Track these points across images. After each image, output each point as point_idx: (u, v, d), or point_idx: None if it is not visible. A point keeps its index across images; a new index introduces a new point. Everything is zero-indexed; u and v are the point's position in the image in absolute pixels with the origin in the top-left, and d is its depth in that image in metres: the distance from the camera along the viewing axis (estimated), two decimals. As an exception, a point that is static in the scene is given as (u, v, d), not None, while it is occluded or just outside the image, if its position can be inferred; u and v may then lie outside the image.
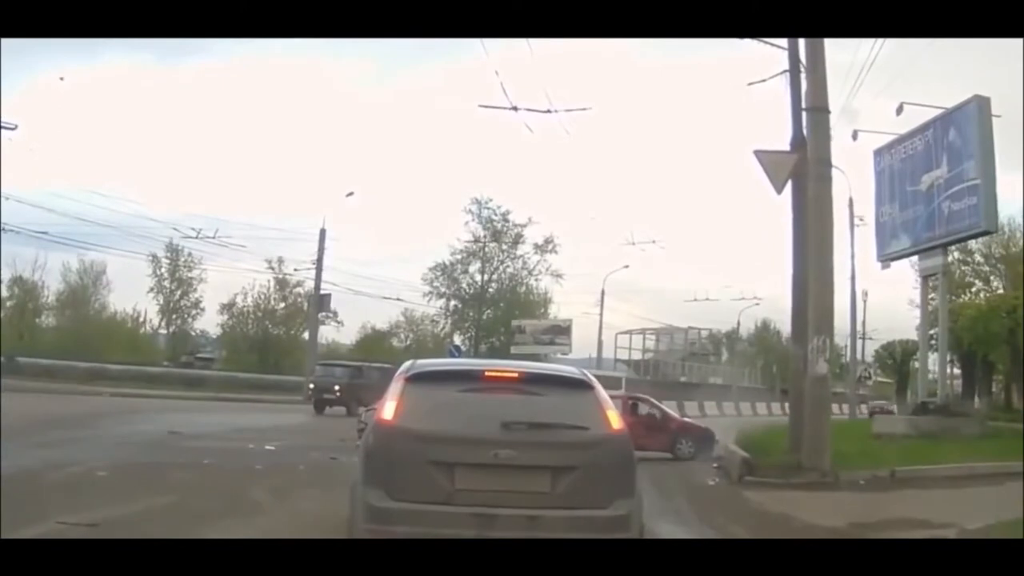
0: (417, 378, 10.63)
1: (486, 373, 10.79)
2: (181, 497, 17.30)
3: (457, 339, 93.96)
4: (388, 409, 10.22)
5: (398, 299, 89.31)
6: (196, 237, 65.28)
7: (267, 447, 29.16)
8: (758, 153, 26.49)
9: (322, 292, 73.61)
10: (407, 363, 11.33)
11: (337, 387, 53.05)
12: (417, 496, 9.68)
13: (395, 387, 10.51)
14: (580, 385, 10.73)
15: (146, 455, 24.28)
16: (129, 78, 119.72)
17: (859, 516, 17.23)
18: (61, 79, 41.25)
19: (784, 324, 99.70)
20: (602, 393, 10.58)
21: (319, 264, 71.84)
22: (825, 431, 24.49)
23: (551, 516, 9.60)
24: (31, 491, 16.57)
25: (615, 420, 10.36)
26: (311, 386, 55.51)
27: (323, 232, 71.26)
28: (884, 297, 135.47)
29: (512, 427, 9.91)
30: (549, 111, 36.58)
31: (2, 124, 47.64)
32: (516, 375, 10.70)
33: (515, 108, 35.39)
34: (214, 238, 65.28)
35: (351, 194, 71.90)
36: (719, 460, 29.13)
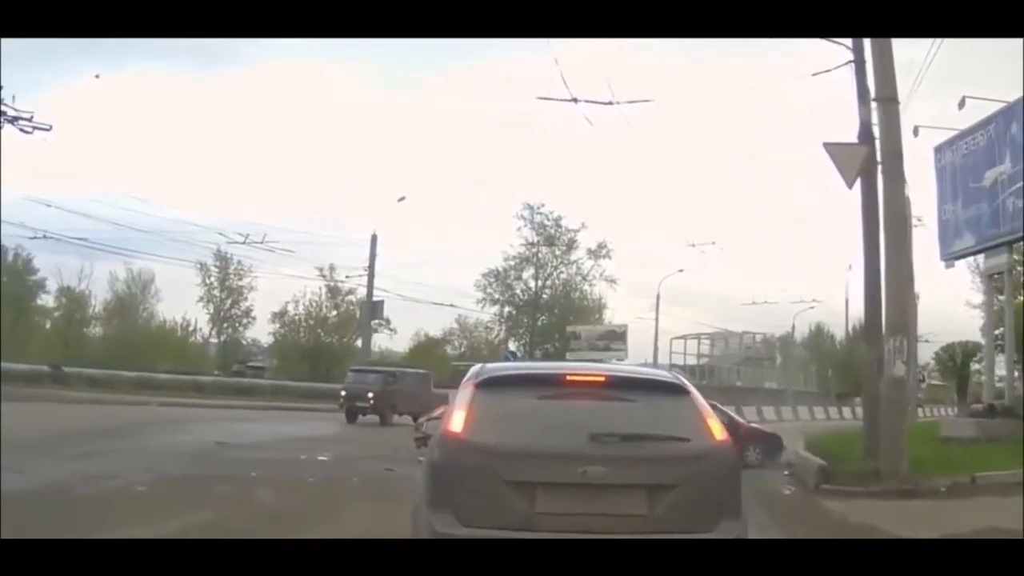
0: (489, 384, 9.52)
1: (568, 377, 9.58)
2: (221, 514, 16.35)
3: (512, 345, 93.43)
4: (456, 420, 9.12)
5: (451, 305, 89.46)
6: (243, 242, 64.65)
7: (319, 458, 28.54)
8: (828, 146, 25.59)
9: (374, 299, 73.29)
10: (475, 367, 10.19)
11: (371, 394, 51.50)
12: (491, 521, 8.58)
13: (463, 395, 9.39)
14: (675, 389, 9.60)
15: (190, 467, 23.57)
16: (166, 85, 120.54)
17: (950, 527, 16.29)
18: (96, 76, 40.94)
19: (838, 327, 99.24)
20: (700, 398, 9.52)
21: (371, 270, 71.48)
22: (902, 436, 23.56)
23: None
24: (61, 506, 15.91)
25: (718, 430, 9.25)
26: (343, 393, 53.70)
27: (374, 237, 71.01)
28: (937, 299, 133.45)
29: (602, 439, 8.78)
30: (610, 103, 35.39)
31: (35, 124, 46.75)
32: (602, 379, 9.57)
33: (575, 100, 34.38)
34: (262, 243, 64.37)
35: (403, 199, 71.67)
36: (790, 467, 28.17)
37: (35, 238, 59.96)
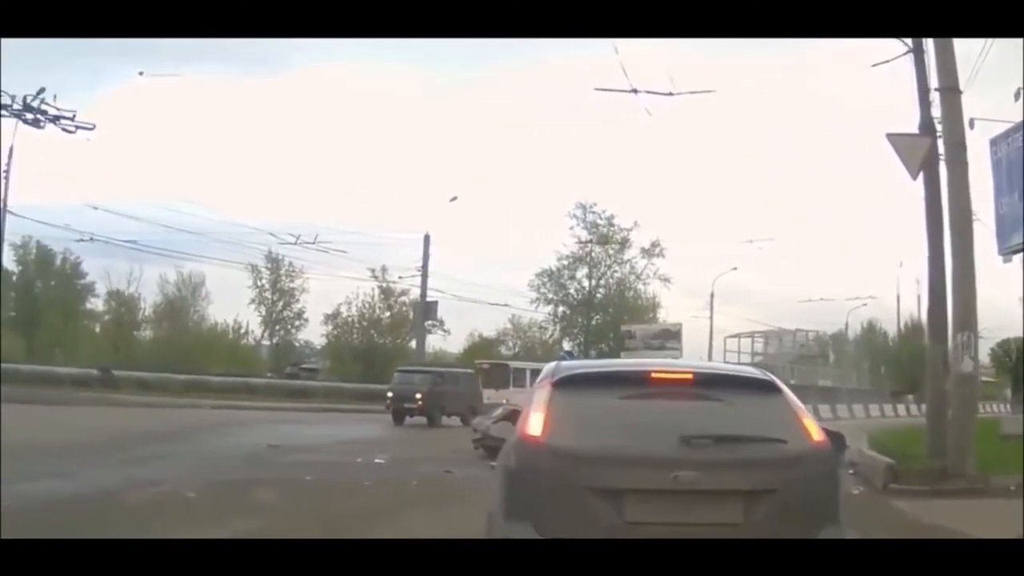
0: (567, 383, 8.85)
1: (653, 374, 8.92)
2: (272, 520, 15.68)
3: (567, 345, 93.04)
4: (535, 422, 8.47)
5: (506, 305, 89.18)
6: (295, 243, 64.08)
7: (376, 460, 28.02)
8: (891, 137, 25.21)
9: (428, 299, 72.93)
10: (550, 365, 9.70)
11: (418, 395, 50.46)
12: (574, 532, 7.87)
13: (540, 395, 8.76)
14: (766, 387, 8.94)
15: (242, 471, 23.04)
16: (215, 89, 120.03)
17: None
18: (140, 74, 40.44)
19: (890, 324, 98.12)
20: (792, 396, 8.88)
21: (424, 270, 71.13)
22: (970, 434, 23.09)
23: None
24: (105, 513, 15.37)
25: (815, 430, 8.58)
26: (389, 394, 52.79)
27: (427, 237, 70.58)
28: (991, 294, 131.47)
29: (694, 442, 8.13)
30: (670, 93, 34.56)
31: (78, 124, 46.48)
32: (689, 376, 8.91)
33: (635, 91, 33.57)
34: (313, 243, 63.77)
35: (455, 198, 71.16)
36: (854, 466, 27.22)
37: (82, 240, 59.70)
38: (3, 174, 49.65)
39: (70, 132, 46.11)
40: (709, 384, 8.82)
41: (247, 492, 19.26)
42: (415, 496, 20.24)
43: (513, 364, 69.21)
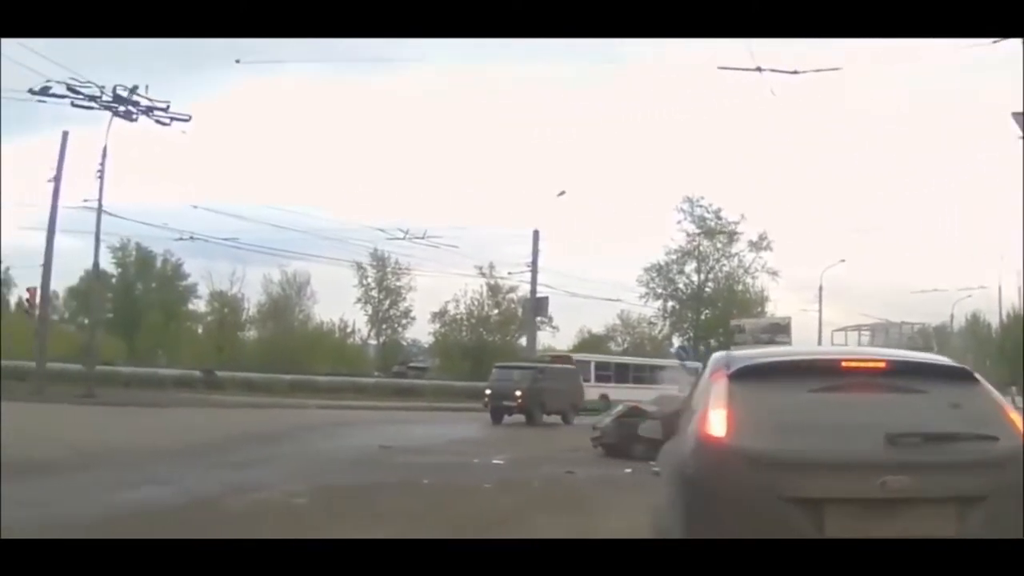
0: (747, 375, 7.66)
1: (843, 363, 7.72)
2: (392, 526, 14.43)
3: (676, 340, 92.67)
4: (716, 420, 7.32)
5: (618, 300, 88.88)
6: (404, 238, 62.98)
7: (494, 461, 27.07)
8: (1018, 116, 23.32)
9: (538, 296, 71.74)
10: (718, 355, 8.58)
11: (518, 392, 48.26)
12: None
13: (716, 388, 7.64)
14: (964, 376, 7.70)
15: (354, 474, 22.00)
16: (318, 88, 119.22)
17: None
18: (237, 61, 39.78)
19: (994, 315, 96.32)
20: (991, 388, 7.66)
21: (534, 266, 69.74)
22: None
23: None
24: (209, 522, 14.21)
25: (1021, 425, 7.29)
26: (487, 392, 50.63)
27: (536, 233, 69.37)
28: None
29: (901, 442, 7.00)
30: (795, 72, 33.20)
31: (173, 115, 45.45)
32: (883, 364, 7.76)
33: (759, 69, 32.29)
34: (422, 239, 62.69)
35: (562, 193, 69.39)
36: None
37: (181, 240, 58.65)
38: (97, 173, 49.23)
39: (164, 124, 45.26)
40: (905, 373, 7.66)
41: (362, 496, 18.36)
42: (540, 499, 19.42)
43: (577, 357, 66.94)
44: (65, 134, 49.05)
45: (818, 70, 34.93)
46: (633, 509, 16.54)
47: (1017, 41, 25.00)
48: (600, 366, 67.45)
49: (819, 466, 7.03)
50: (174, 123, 45.42)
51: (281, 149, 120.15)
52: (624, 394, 54.61)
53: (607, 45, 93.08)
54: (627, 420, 30.07)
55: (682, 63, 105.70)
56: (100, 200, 49.57)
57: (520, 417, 48.63)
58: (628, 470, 24.91)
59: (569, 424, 47.33)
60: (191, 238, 57.30)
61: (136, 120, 45.21)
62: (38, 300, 49.60)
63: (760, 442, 7.11)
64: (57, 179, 48.45)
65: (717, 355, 8.56)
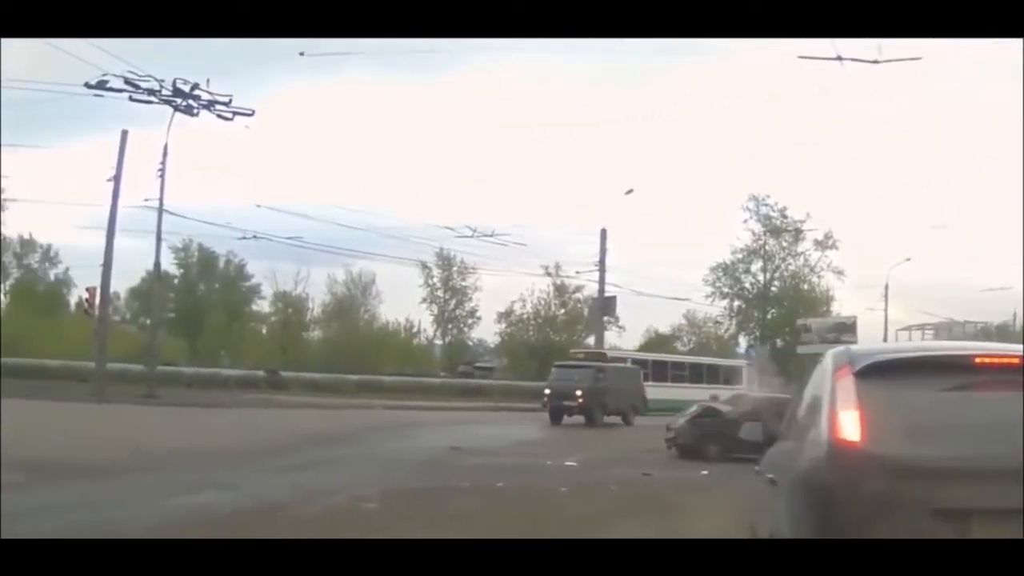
0: (875, 372, 7.01)
1: (977, 359, 7.09)
2: (469, 531, 13.98)
3: (742, 340, 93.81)
4: (849, 423, 6.73)
5: (687, 299, 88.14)
6: (472, 236, 62.31)
7: (567, 463, 26.34)
8: None
9: (606, 295, 70.88)
10: (839, 351, 7.73)
11: (579, 392, 46.63)
12: None
13: (843, 387, 6.99)
14: None
15: (425, 477, 21.52)
16: (384, 90, 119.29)
17: None
18: (301, 54, 39.00)
19: None
20: None
21: (602, 265, 68.97)
22: None
23: None
24: (270, 530, 13.37)
25: None
26: (547, 392, 49.33)
27: (604, 232, 68.60)
28: None
29: None
30: (876, 61, 32.29)
31: (236, 109, 44.58)
32: (1018, 360, 6.94)
33: (839, 58, 31.43)
34: (491, 236, 62.02)
35: (630, 191, 68.57)
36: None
37: (244, 239, 58.16)
38: (158, 172, 48.77)
39: (227, 119, 44.46)
40: None
41: (434, 500, 17.88)
42: (620, 503, 18.84)
43: (611, 354, 63.94)
44: (124, 132, 48.68)
45: (899, 59, 34.08)
46: (717, 512, 16.60)
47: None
48: (638, 364, 62.71)
49: (966, 474, 6.49)
50: (237, 118, 44.70)
51: (345, 147, 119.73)
52: (664, 393, 55.10)
53: (675, 44, 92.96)
54: (702, 420, 30.26)
55: (755, 61, 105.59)
56: (161, 199, 49.21)
57: (579, 418, 47.58)
58: (704, 472, 24.73)
59: (629, 425, 46.62)
60: (255, 237, 56.90)
61: (197, 115, 44.52)
62: (97, 300, 49.01)
63: (901, 448, 6.58)
64: (117, 178, 48.03)
65: (837, 351, 7.79)
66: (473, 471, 22.96)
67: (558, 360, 57.79)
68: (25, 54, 35.73)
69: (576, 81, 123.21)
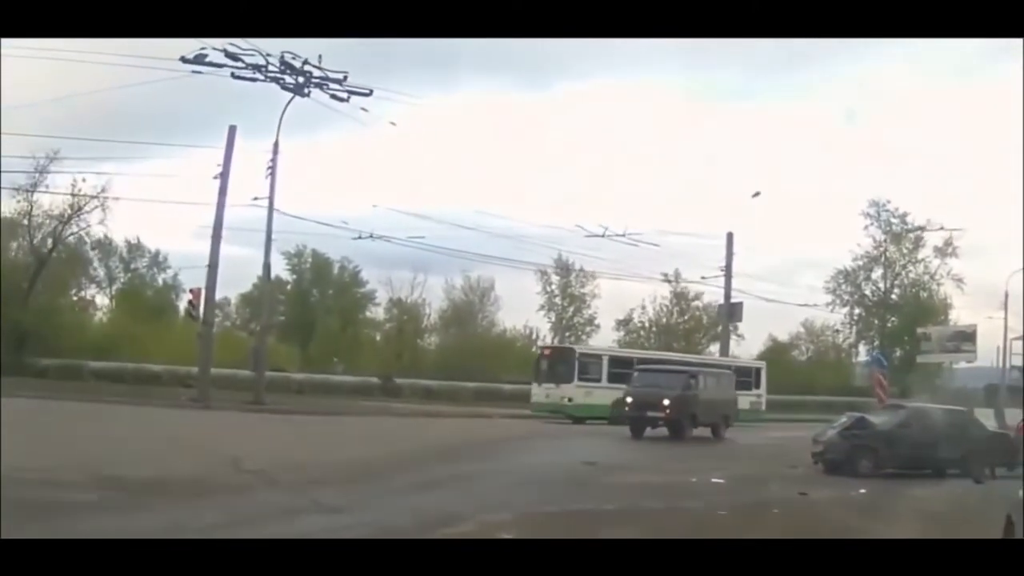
0: None
1: None
2: None
3: (862, 349, 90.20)
4: None
5: (815, 304, 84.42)
6: (603, 236, 59.90)
7: (713, 480, 24.05)
8: None
9: (732, 301, 68.25)
10: None
11: (666, 401, 38.83)
12: None
13: None
14: None
15: (563, 498, 19.25)
16: (496, 104, 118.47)
17: None
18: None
19: None
20: None
21: (728, 270, 66.63)
22: None
23: None
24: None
25: None
26: (628, 400, 40.76)
27: (730, 236, 66.28)
28: None
29: None
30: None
31: (351, 88, 41.92)
32: None
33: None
34: (623, 236, 59.50)
35: (757, 194, 66.10)
36: None
37: (359, 238, 55.79)
38: (267, 170, 46.45)
39: (341, 99, 42.15)
40: None
41: (580, 527, 15.92)
42: (787, 526, 17.67)
43: (581, 350, 57.00)
44: (232, 128, 46.17)
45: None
46: (892, 535, 15.14)
47: None
48: (618, 362, 53.80)
49: None
50: (352, 97, 42.23)
51: (464, 149, 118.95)
52: None
53: (801, 47, 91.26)
54: (853, 433, 27.90)
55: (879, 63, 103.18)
56: (271, 197, 46.75)
57: (642, 430, 40.38)
58: (863, 490, 23.11)
59: (720, 439, 40.94)
60: (371, 236, 54.75)
61: (308, 95, 42.27)
62: (202, 302, 46.78)
63: None
64: (224, 175, 45.54)
65: None
66: (615, 490, 20.95)
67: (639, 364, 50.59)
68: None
69: (699, 91, 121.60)
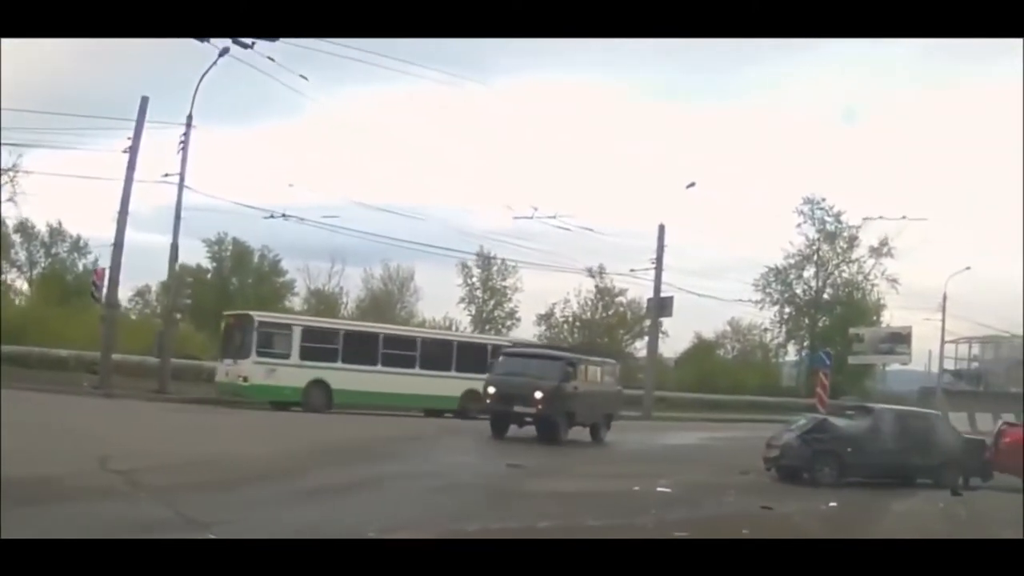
0: None
1: None
2: None
3: (791, 348, 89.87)
4: None
5: (748, 301, 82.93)
6: (531, 217, 56.98)
7: (659, 488, 21.10)
8: None
9: (662, 295, 64.13)
10: None
11: (539, 394, 31.21)
12: None
13: None
14: None
15: (485, 511, 16.67)
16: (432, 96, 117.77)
17: None
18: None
19: None
20: None
21: (659, 263, 63.12)
22: None
23: None
24: None
25: None
26: (489, 391, 33.04)
27: (662, 228, 63.19)
28: None
29: None
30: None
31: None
32: None
33: None
34: (554, 218, 56.78)
35: (692, 184, 61.74)
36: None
37: (271, 217, 52.13)
38: (179, 146, 43.97)
39: (247, 47, 38.30)
40: None
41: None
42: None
43: (262, 318, 42.99)
44: (144, 99, 43.73)
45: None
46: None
47: None
48: (311, 335, 42.43)
49: None
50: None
51: (383, 140, 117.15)
52: (371, 383, 39.86)
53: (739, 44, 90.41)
54: (815, 437, 24.90)
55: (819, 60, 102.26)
56: (182, 174, 44.04)
57: (505, 428, 32.96)
58: (833, 503, 20.76)
59: (599, 442, 34.00)
60: (283, 216, 51.47)
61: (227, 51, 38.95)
62: (106, 283, 44.18)
63: None
64: (134, 150, 42.99)
65: None
66: (547, 502, 18.17)
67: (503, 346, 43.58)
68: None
69: (631, 91, 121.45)
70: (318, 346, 40.63)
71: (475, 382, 37.53)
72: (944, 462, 25.31)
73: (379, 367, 40.95)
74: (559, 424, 31.89)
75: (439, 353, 43.40)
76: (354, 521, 13.79)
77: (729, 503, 19.86)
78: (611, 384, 36.75)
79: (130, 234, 44.00)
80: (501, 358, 36.15)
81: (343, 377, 39.80)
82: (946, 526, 18.53)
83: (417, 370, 41.49)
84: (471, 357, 42.41)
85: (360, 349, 41.69)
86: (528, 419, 32.13)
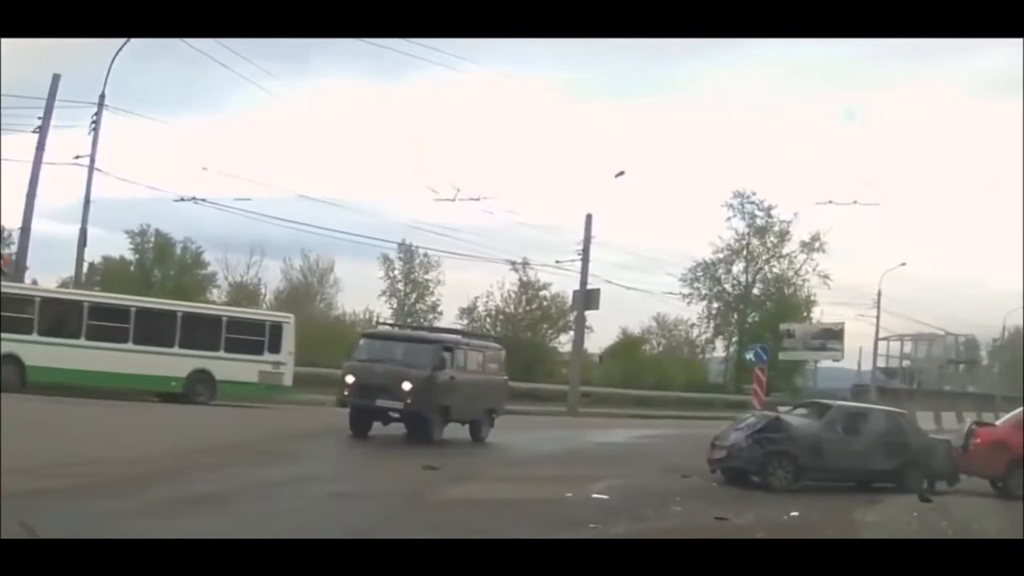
0: None
1: None
2: None
3: (719, 344, 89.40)
4: None
5: (677, 294, 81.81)
6: (453, 200, 54.55)
7: (594, 495, 18.99)
8: None
9: (588, 288, 62.61)
10: None
11: (408, 385, 26.77)
12: None
13: None
14: None
15: (397, 520, 14.84)
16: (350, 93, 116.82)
17: None
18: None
19: None
20: None
21: (585, 254, 61.33)
22: None
23: None
24: None
25: None
26: (348, 380, 27.95)
27: (589, 218, 61.51)
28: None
29: None
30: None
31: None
32: None
33: None
34: (478, 200, 54.15)
35: (621, 173, 60.59)
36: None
37: (182, 200, 49.63)
38: (91, 127, 42.17)
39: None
40: None
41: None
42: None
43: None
44: (56, 76, 42.02)
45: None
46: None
47: None
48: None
49: None
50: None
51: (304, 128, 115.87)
52: (77, 360, 33.96)
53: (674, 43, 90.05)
54: (768, 437, 22.70)
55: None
56: (93, 156, 42.23)
57: (367, 426, 28.49)
58: (795, 513, 18.63)
59: (480, 442, 29.59)
60: (193, 199, 49.24)
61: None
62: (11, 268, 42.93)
63: None
64: (44, 130, 41.20)
65: None
66: (468, 510, 16.28)
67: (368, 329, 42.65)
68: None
69: (562, 87, 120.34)
70: (8, 315, 33.22)
71: (206, 360, 35.35)
72: (907, 464, 23.47)
73: (83, 341, 34.88)
74: (432, 421, 27.60)
75: (160, 326, 37.29)
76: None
77: (677, 512, 17.98)
78: (495, 373, 31.75)
79: (52, 225, 43.07)
80: (363, 341, 31.46)
81: (39, 352, 33.45)
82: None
83: (130, 345, 35.67)
84: (202, 331, 37.66)
85: (61, 320, 35.66)
86: (395, 415, 27.81)
